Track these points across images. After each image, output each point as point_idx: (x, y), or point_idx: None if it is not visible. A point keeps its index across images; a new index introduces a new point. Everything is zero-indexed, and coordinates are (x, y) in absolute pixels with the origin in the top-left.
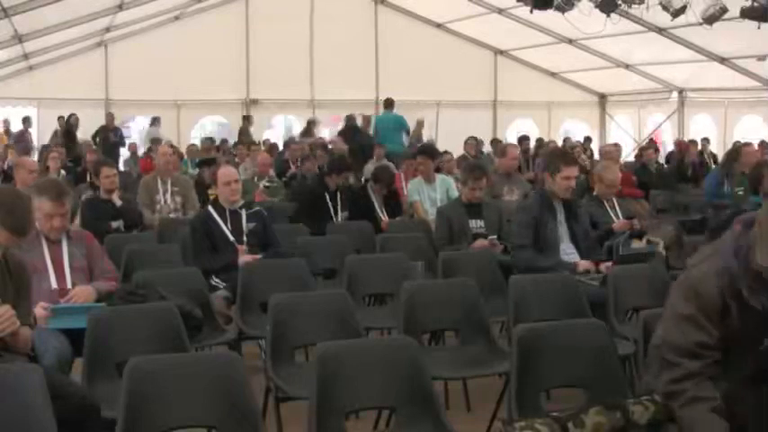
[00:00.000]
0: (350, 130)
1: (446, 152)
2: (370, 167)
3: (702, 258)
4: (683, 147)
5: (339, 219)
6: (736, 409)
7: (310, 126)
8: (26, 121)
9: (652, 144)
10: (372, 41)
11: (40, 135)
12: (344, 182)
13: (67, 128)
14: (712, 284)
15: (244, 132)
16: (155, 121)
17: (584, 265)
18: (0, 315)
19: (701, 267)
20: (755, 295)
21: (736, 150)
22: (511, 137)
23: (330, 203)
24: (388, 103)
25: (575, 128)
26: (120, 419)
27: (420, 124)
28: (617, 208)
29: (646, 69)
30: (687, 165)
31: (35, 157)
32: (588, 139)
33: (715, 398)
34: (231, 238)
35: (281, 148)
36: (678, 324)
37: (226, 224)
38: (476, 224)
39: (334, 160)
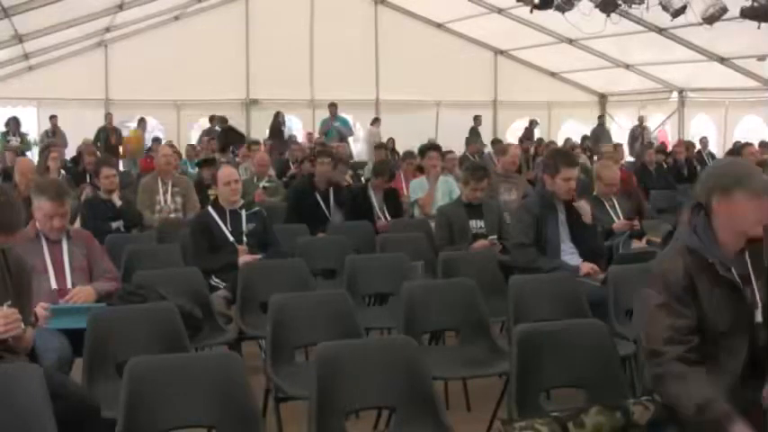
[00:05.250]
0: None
1: (450, 151)
2: (370, 166)
3: (665, 254)
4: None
5: (333, 219)
6: (734, 405)
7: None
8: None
9: (659, 145)
10: (372, 41)
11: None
12: (326, 173)
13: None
14: (678, 266)
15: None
16: (375, 121)
17: (586, 269)
18: (6, 317)
19: (664, 256)
20: (724, 266)
21: (737, 150)
22: (511, 137)
23: (322, 204)
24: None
25: (575, 128)
26: (120, 419)
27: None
28: (617, 208)
29: (646, 69)
30: (681, 164)
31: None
32: (586, 138)
33: (700, 369)
34: (231, 238)
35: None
36: (655, 315)
37: (226, 224)
38: (476, 224)
39: (312, 153)
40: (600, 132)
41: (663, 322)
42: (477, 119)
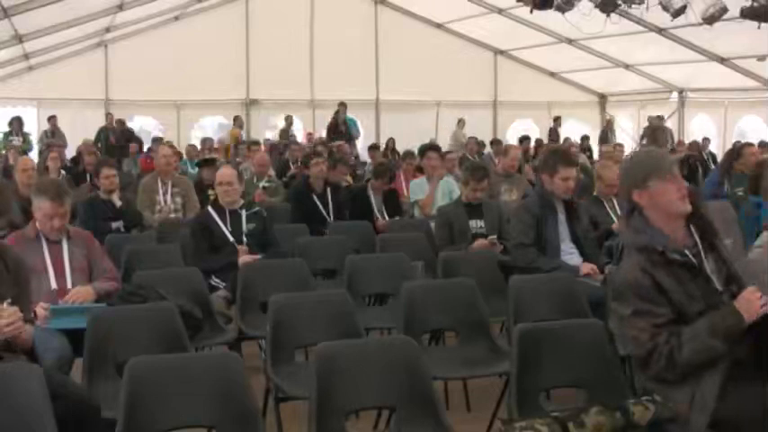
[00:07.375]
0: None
1: (450, 152)
2: (370, 167)
3: (620, 268)
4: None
5: (332, 219)
6: (731, 401)
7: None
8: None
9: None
10: (372, 41)
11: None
12: (321, 173)
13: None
14: (636, 270)
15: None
16: (459, 122)
17: (586, 270)
18: (9, 315)
19: (621, 269)
20: (675, 250)
21: (737, 150)
22: (511, 137)
23: (320, 205)
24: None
25: (575, 128)
26: (120, 419)
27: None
28: (617, 208)
29: (646, 69)
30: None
31: None
32: (586, 138)
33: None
34: (231, 238)
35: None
36: (633, 323)
37: (225, 225)
38: (476, 224)
39: (306, 155)
40: (659, 133)
41: (642, 326)
42: (610, 119)
